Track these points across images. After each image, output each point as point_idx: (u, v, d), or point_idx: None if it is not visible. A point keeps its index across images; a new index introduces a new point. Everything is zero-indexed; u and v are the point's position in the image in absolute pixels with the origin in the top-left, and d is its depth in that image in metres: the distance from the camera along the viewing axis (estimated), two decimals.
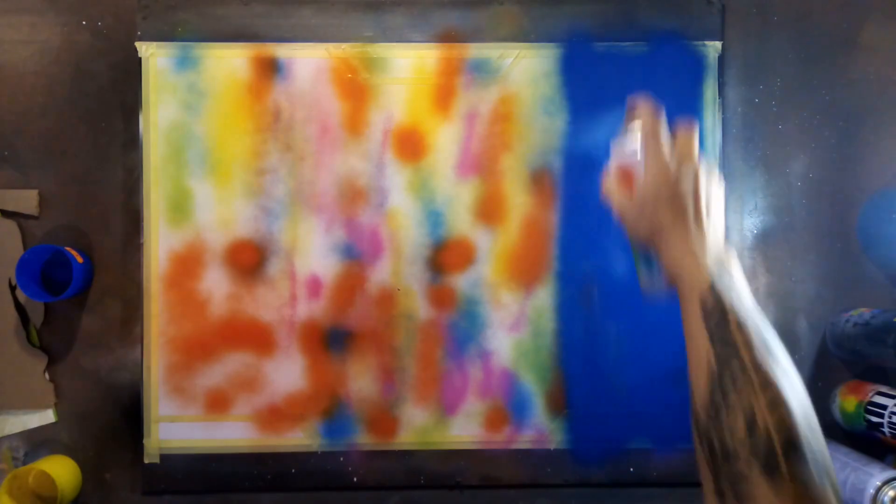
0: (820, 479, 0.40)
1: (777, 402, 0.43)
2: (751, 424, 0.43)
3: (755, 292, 0.79)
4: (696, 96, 0.78)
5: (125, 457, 0.77)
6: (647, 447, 0.77)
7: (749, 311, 0.49)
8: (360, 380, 0.76)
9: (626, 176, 0.59)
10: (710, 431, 0.45)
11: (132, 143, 0.77)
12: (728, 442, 0.43)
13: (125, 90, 0.77)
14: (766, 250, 0.79)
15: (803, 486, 0.40)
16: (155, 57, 0.77)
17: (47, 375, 0.76)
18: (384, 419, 0.76)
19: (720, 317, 0.48)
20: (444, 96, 0.77)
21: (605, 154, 0.77)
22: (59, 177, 0.77)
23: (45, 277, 0.77)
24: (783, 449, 0.41)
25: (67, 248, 0.74)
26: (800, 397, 0.44)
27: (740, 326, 0.47)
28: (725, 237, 0.57)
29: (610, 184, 0.59)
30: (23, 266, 0.73)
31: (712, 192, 0.55)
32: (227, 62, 0.77)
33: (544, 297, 0.77)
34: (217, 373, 0.76)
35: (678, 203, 0.54)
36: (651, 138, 0.56)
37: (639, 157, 0.57)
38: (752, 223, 0.79)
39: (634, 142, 0.58)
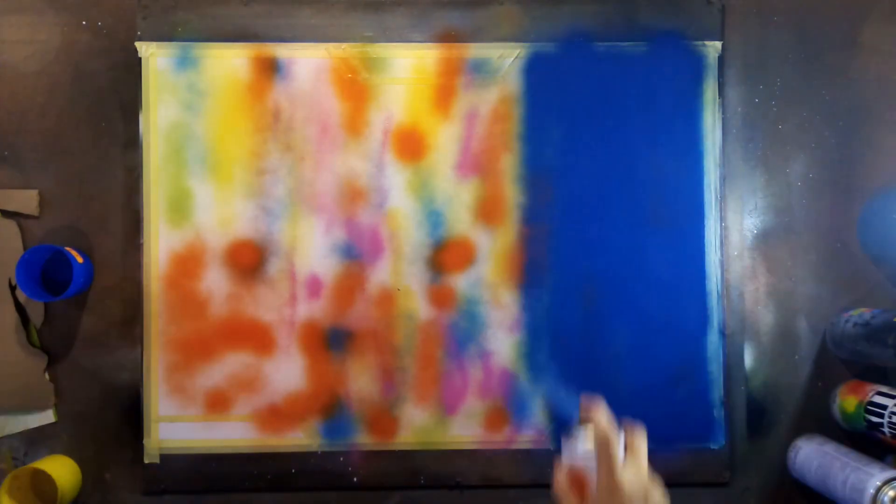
0: None
1: None
2: None
3: (755, 292, 0.79)
4: (696, 96, 0.78)
5: (125, 457, 0.76)
6: (648, 447, 0.77)
7: None
8: (360, 380, 0.76)
9: (578, 480, 0.57)
10: None
11: (132, 143, 0.77)
12: None
13: (125, 90, 0.77)
14: (766, 250, 0.79)
15: None
16: (155, 57, 0.77)
17: (47, 375, 0.76)
18: (384, 419, 0.76)
19: None
20: (444, 96, 0.77)
21: (605, 154, 0.78)
22: (59, 177, 0.77)
23: (45, 277, 0.77)
24: None
25: (67, 248, 0.74)
26: None
27: None
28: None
29: (560, 484, 0.57)
30: (23, 266, 0.73)
31: None
32: (227, 62, 0.77)
33: (544, 297, 0.77)
34: (217, 373, 0.76)
35: None
36: (603, 452, 0.54)
37: (591, 463, 0.55)
38: (752, 223, 0.79)
39: (587, 444, 0.56)
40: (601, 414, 0.56)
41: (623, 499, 0.53)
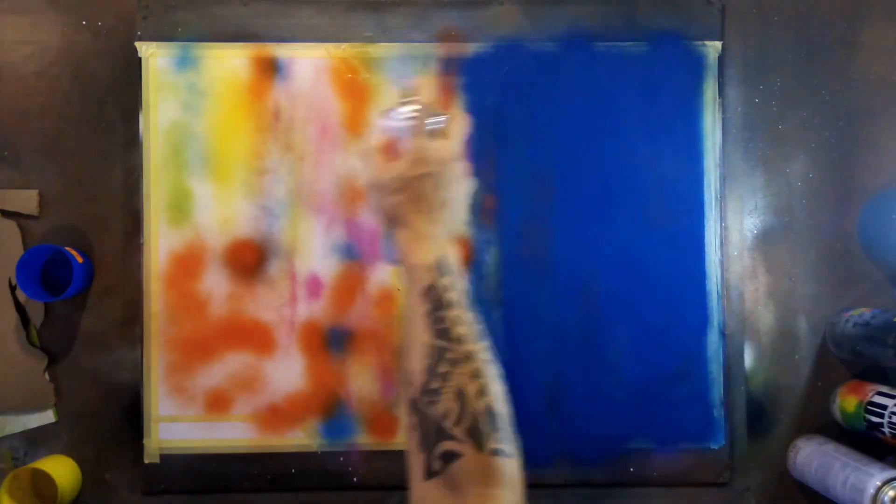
0: (511, 450, 0.49)
1: (484, 391, 0.50)
2: (463, 407, 0.49)
3: (755, 292, 0.79)
4: (696, 96, 0.78)
5: (125, 457, 0.76)
6: (647, 447, 0.77)
7: (464, 307, 0.54)
8: (360, 380, 0.76)
9: (391, 148, 0.60)
10: (426, 414, 0.50)
11: (132, 143, 0.77)
12: (444, 424, 0.49)
13: (125, 90, 0.77)
14: (766, 250, 0.79)
15: (504, 457, 0.49)
16: (155, 57, 0.77)
17: (47, 375, 0.76)
18: (384, 419, 0.76)
19: (440, 312, 0.53)
20: (444, 96, 0.77)
21: (605, 154, 0.78)
22: (59, 177, 0.77)
23: (45, 277, 0.77)
24: (490, 429, 0.49)
25: (67, 248, 0.74)
26: (498, 385, 0.51)
27: (456, 322, 0.52)
28: (459, 234, 0.60)
29: (372, 147, 0.60)
30: (23, 266, 0.73)
31: (454, 194, 0.58)
32: (227, 62, 0.77)
33: (544, 297, 0.77)
34: (217, 373, 0.76)
35: (420, 198, 0.57)
36: (419, 124, 0.58)
37: (406, 131, 0.58)
38: (752, 223, 0.79)
39: (408, 117, 0.59)
40: (427, 86, 0.60)
41: (426, 160, 0.56)
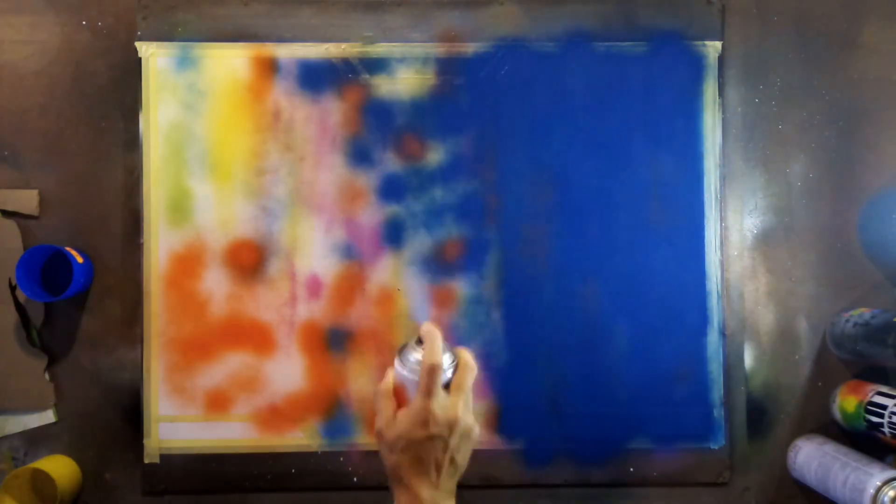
0: None
1: None
2: None
3: (755, 292, 0.79)
4: (696, 96, 0.78)
5: (125, 457, 0.76)
6: (647, 447, 0.77)
7: None
8: (360, 380, 0.76)
9: (400, 393, 0.59)
10: None
11: (132, 143, 0.77)
12: None
13: (125, 90, 0.77)
14: (766, 250, 0.79)
15: None
16: (155, 57, 0.77)
17: (47, 375, 0.76)
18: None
19: None
20: (444, 96, 0.77)
21: (605, 154, 0.78)
22: (59, 177, 0.77)
23: (45, 277, 0.77)
24: None
25: (67, 248, 0.74)
26: None
27: None
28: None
29: (382, 390, 0.60)
30: (23, 266, 0.73)
31: (462, 455, 0.58)
32: (227, 62, 0.77)
33: (545, 297, 0.77)
34: (217, 373, 0.76)
35: (423, 461, 0.56)
36: (427, 376, 0.57)
37: (414, 382, 0.58)
38: (752, 223, 0.79)
39: (417, 362, 0.58)
40: (435, 339, 0.58)
41: (433, 423, 0.56)
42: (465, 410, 0.58)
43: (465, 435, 0.58)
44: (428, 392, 0.56)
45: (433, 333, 0.58)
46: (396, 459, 0.57)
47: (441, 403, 0.57)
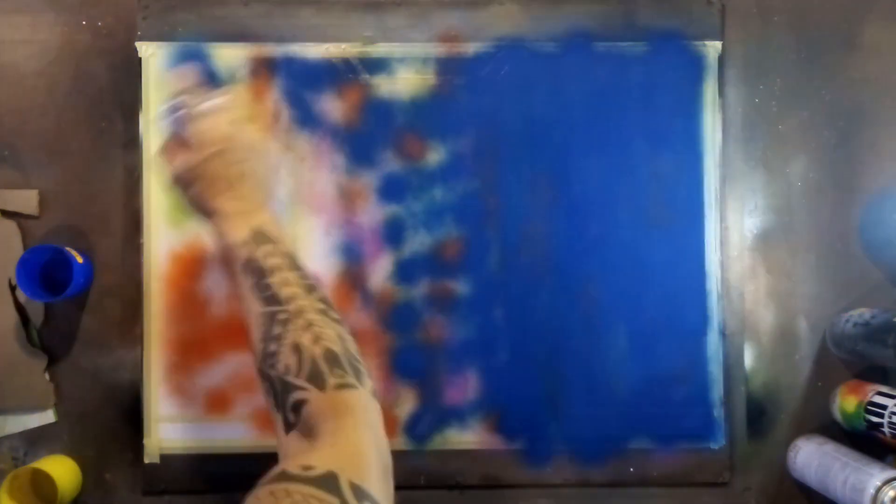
0: (356, 382, 0.50)
1: (320, 337, 0.51)
2: (300, 357, 0.50)
3: (755, 292, 0.79)
4: (696, 96, 0.78)
5: (125, 457, 0.76)
6: (647, 447, 0.77)
7: (289, 268, 0.55)
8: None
9: (178, 142, 0.60)
10: (271, 376, 0.51)
11: (132, 143, 0.77)
12: (287, 378, 0.50)
13: (125, 90, 0.77)
14: (766, 250, 0.79)
15: (349, 390, 0.49)
16: (155, 57, 0.77)
17: (47, 375, 0.76)
18: (384, 419, 0.76)
19: (263, 280, 0.54)
20: (444, 96, 0.77)
21: (605, 154, 0.78)
22: (59, 177, 0.77)
23: (45, 277, 0.77)
24: (328, 368, 0.50)
25: (67, 248, 0.74)
26: (334, 328, 0.53)
27: (283, 284, 0.54)
28: (272, 203, 0.61)
29: (163, 149, 0.60)
30: (23, 266, 0.73)
31: (252, 164, 0.59)
32: (227, 62, 0.77)
33: (544, 297, 0.77)
34: (217, 373, 0.76)
35: (214, 179, 0.58)
36: (191, 111, 0.58)
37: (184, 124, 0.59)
38: (752, 223, 0.79)
39: (176, 107, 0.59)
40: (186, 76, 0.60)
41: (204, 144, 0.57)
42: (243, 127, 0.59)
43: (252, 146, 0.59)
44: (196, 117, 0.58)
45: (181, 72, 0.61)
46: (193, 191, 0.58)
47: (209, 122, 0.58)
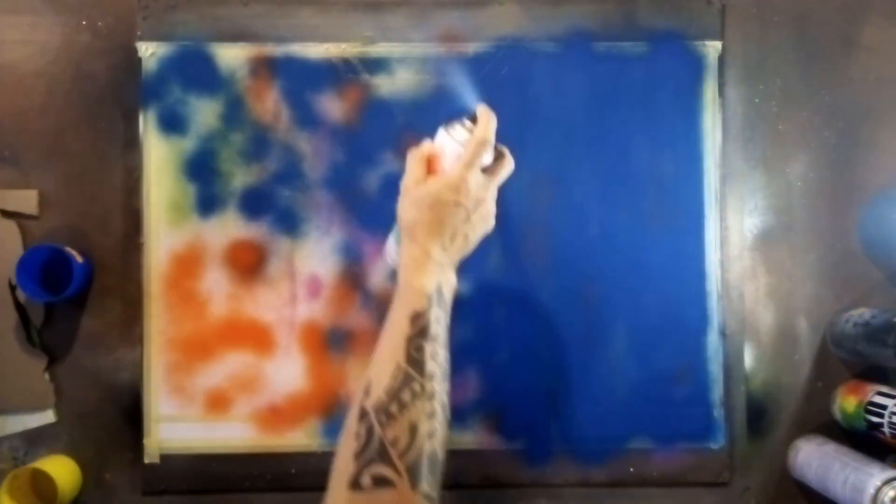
0: (437, 500, 0.51)
1: (434, 434, 0.52)
2: (410, 442, 0.50)
3: (755, 292, 0.79)
4: (696, 96, 0.78)
5: (125, 457, 0.76)
6: (647, 447, 0.77)
7: (442, 343, 0.56)
8: (360, 380, 0.76)
9: (432, 163, 0.60)
10: (374, 430, 0.51)
11: (132, 143, 0.77)
12: (389, 449, 0.50)
13: (125, 90, 0.77)
14: (766, 250, 0.79)
15: (429, 501, 0.51)
16: (155, 57, 0.77)
17: (47, 375, 0.76)
18: None
19: (421, 340, 0.54)
20: (444, 96, 0.77)
21: (605, 154, 0.78)
22: (59, 177, 0.77)
23: (45, 277, 0.77)
24: (428, 472, 0.50)
25: (67, 248, 0.74)
26: (445, 432, 0.53)
27: (432, 356, 0.54)
28: (459, 265, 0.61)
29: (418, 153, 0.61)
30: (23, 266, 0.73)
31: (476, 232, 0.60)
32: (227, 62, 0.77)
33: (544, 297, 0.77)
34: (217, 373, 0.76)
35: (443, 224, 0.57)
36: (474, 147, 0.58)
37: (458, 154, 0.59)
38: (752, 223, 0.79)
39: (463, 138, 0.59)
40: (491, 122, 0.59)
41: (463, 190, 0.58)
42: (493, 197, 0.60)
43: (485, 217, 0.60)
44: (470, 163, 0.58)
45: (489, 114, 0.59)
46: (417, 215, 0.58)
47: (476, 179, 0.58)
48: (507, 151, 0.62)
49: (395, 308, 0.57)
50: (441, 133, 0.61)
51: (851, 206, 0.79)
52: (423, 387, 0.52)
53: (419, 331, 0.54)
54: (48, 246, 0.74)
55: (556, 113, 0.78)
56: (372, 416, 0.51)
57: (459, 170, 0.58)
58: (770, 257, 0.79)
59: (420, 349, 0.54)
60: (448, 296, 0.58)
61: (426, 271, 0.57)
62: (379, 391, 0.52)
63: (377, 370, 0.54)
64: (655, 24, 0.78)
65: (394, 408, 0.51)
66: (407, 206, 0.59)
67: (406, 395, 0.52)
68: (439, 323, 0.56)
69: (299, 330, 0.76)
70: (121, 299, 0.77)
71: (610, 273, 0.77)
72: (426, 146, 0.61)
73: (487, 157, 0.60)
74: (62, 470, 0.73)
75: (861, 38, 0.80)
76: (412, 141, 0.76)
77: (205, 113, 0.77)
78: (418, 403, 0.52)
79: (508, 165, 0.61)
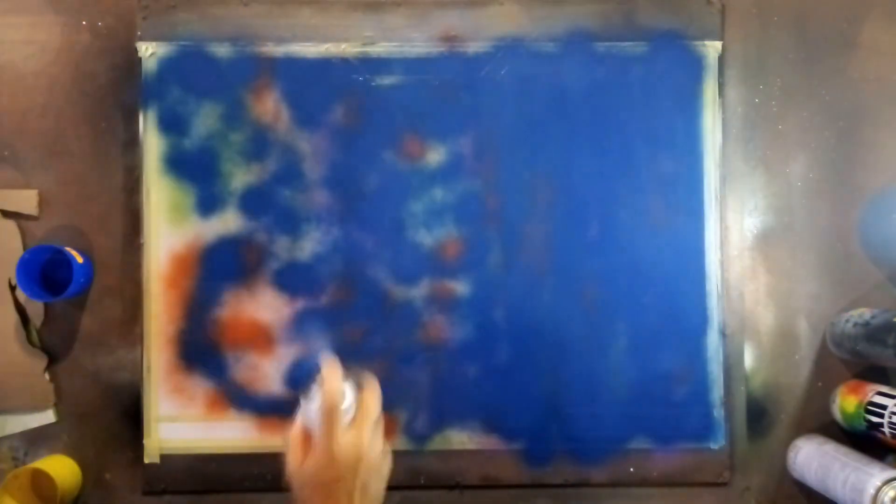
0: None
1: None
2: None
3: (755, 292, 0.79)
4: (696, 96, 0.78)
5: (125, 457, 0.76)
6: (647, 447, 0.77)
7: None
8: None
9: (307, 439, 0.58)
10: None
11: (132, 143, 0.77)
12: None
13: (125, 90, 0.77)
14: (766, 250, 0.79)
15: None
16: (155, 57, 0.77)
17: (47, 375, 0.76)
18: (384, 419, 0.76)
19: None
20: (444, 96, 0.77)
21: (605, 154, 0.78)
22: (59, 177, 0.77)
23: (45, 277, 0.77)
24: None
25: (67, 248, 0.74)
26: None
27: None
28: None
29: (292, 439, 0.59)
30: (23, 266, 0.73)
31: (373, 477, 0.58)
32: (227, 62, 0.77)
33: (545, 297, 0.77)
34: (217, 372, 0.76)
35: (332, 495, 0.56)
36: (326, 416, 0.56)
37: (318, 424, 0.57)
38: (752, 223, 0.79)
39: (317, 404, 0.57)
40: (332, 379, 0.57)
41: (336, 464, 0.56)
42: (372, 445, 0.58)
43: (373, 469, 0.58)
44: (329, 434, 0.56)
45: (330, 373, 0.58)
46: (309, 500, 0.57)
47: (343, 443, 0.56)
48: (369, 384, 0.60)
49: None
50: (302, 405, 0.59)
51: (851, 206, 0.79)
52: None
53: None
54: (48, 246, 0.74)
55: (555, 113, 0.78)
56: None
57: (322, 445, 0.56)
58: (770, 257, 0.79)
59: None
60: None
61: None
62: None
63: None
64: (655, 24, 0.78)
65: None
66: (298, 494, 0.58)
67: None
68: None
69: (299, 330, 0.76)
70: (121, 299, 0.77)
71: (610, 273, 0.77)
72: (296, 426, 0.59)
73: (348, 403, 0.58)
74: (62, 470, 0.73)
75: (861, 38, 0.80)
76: (411, 142, 0.76)
77: (205, 113, 0.77)
78: None
79: (373, 403, 0.59)
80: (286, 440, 0.59)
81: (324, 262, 0.77)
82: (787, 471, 0.77)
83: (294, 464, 0.58)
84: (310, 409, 0.58)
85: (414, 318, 0.76)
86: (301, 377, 0.73)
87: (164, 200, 0.76)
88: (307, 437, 0.58)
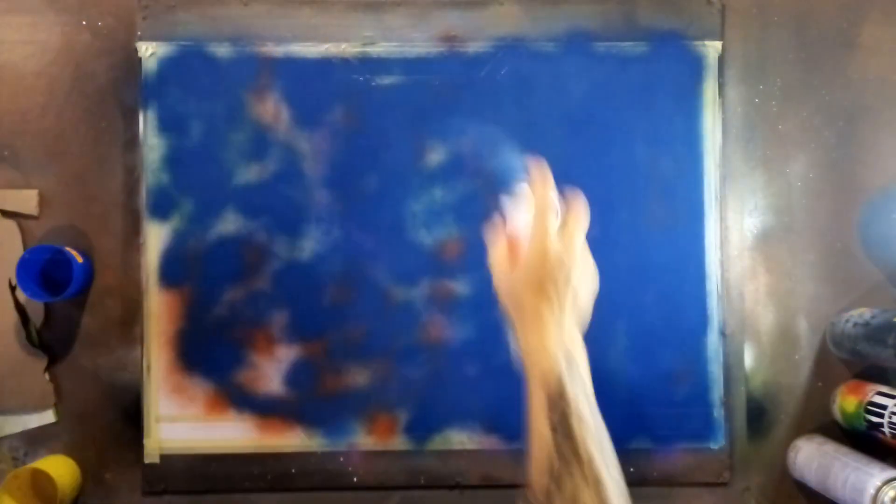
0: None
1: (603, 501, 0.48)
2: None
3: (755, 292, 0.79)
4: (696, 96, 0.78)
5: (125, 457, 0.76)
6: (647, 447, 0.77)
7: (590, 407, 0.53)
8: (360, 380, 0.76)
9: (513, 247, 0.58)
10: None
11: (132, 143, 0.77)
12: None
13: (125, 90, 0.77)
14: (766, 250, 0.79)
15: None
16: (155, 57, 0.77)
17: (47, 375, 0.76)
18: (384, 419, 0.76)
19: (563, 411, 0.51)
20: (444, 96, 0.77)
21: (605, 155, 0.78)
22: (59, 177, 0.77)
23: (45, 277, 0.77)
24: None
25: (67, 248, 0.74)
26: (622, 498, 0.50)
27: (581, 421, 0.51)
28: (583, 327, 0.58)
29: (495, 253, 0.58)
30: (23, 266, 0.73)
31: (582, 286, 0.57)
32: (228, 62, 0.77)
33: None
34: (217, 373, 0.76)
35: (544, 293, 0.54)
36: (539, 217, 0.56)
37: (526, 230, 0.57)
38: (752, 223, 0.79)
39: (526, 211, 0.57)
40: (544, 182, 0.57)
41: (549, 264, 0.54)
42: (578, 252, 0.56)
43: (585, 277, 0.57)
44: (542, 234, 0.55)
45: (540, 171, 0.56)
46: (519, 305, 0.56)
47: (555, 246, 0.55)
48: (574, 196, 0.58)
49: (531, 395, 0.54)
50: (508, 204, 0.58)
51: (851, 206, 0.79)
52: (578, 455, 0.49)
53: (557, 400, 0.52)
54: (48, 246, 0.74)
55: (555, 113, 0.77)
56: (539, 502, 0.49)
57: (535, 245, 0.55)
58: (770, 257, 0.79)
59: (563, 416, 0.51)
60: (581, 362, 0.55)
61: (545, 351, 0.54)
62: (538, 475, 0.50)
63: (533, 457, 0.51)
64: (655, 24, 0.78)
65: (553, 485, 0.48)
66: (506, 301, 0.57)
67: (563, 469, 0.49)
68: (576, 386, 0.52)
69: (299, 330, 0.76)
70: (121, 299, 0.77)
71: (610, 273, 0.76)
72: (502, 229, 0.58)
73: (556, 209, 0.57)
74: (62, 470, 0.73)
75: (861, 38, 0.80)
76: (411, 142, 0.76)
77: (205, 113, 0.77)
78: (577, 472, 0.48)
79: (582, 208, 0.58)
80: (492, 243, 0.58)
81: (324, 262, 0.77)
82: (787, 471, 0.77)
83: (502, 274, 0.57)
84: (517, 208, 0.57)
85: (414, 318, 0.76)
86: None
87: (164, 200, 0.76)
88: (513, 246, 0.58)
